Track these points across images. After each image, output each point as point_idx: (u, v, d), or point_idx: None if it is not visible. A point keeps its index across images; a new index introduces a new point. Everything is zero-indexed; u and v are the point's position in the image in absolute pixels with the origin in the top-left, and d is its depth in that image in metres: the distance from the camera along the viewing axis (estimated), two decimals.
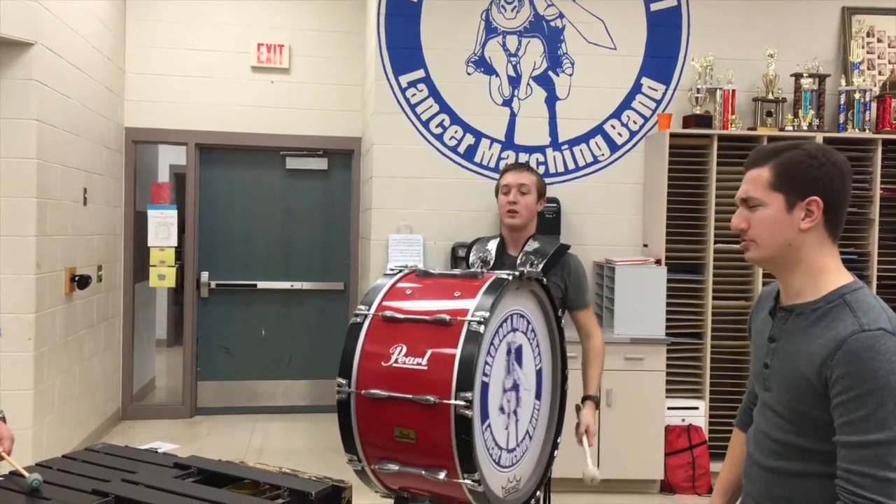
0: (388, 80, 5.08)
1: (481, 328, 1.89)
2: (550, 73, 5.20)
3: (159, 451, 2.04)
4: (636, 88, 5.24)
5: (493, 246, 3.01)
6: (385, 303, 2.07)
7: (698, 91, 5.02)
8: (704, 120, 4.96)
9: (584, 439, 2.72)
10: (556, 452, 2.37)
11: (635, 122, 5.23)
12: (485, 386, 1.93)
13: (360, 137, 6.22)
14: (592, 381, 2.88)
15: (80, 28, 4.92)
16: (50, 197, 4.43)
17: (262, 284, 6.33)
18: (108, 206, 5.67)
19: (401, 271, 2.21)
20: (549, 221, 4.97)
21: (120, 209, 6.00)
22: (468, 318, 1.92)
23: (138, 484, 1.73)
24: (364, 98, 6.07)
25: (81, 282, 4.90)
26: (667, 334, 4.70)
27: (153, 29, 6.01)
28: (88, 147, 5.14)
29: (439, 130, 5.12)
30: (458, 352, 1.87)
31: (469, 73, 5.15)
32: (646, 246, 5.13)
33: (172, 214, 6.04)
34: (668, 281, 4.75)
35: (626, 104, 5.23)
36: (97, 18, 5.30)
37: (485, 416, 1.94)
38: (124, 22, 5.96)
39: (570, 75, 5.20)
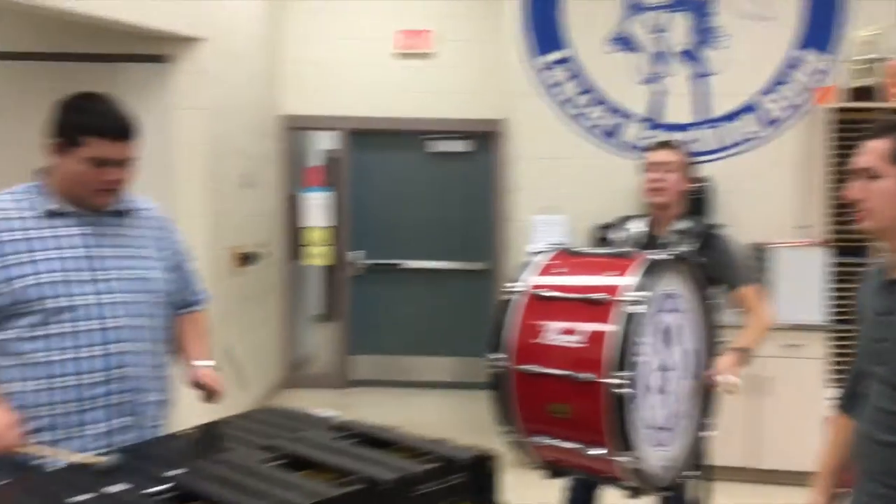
0: (529, 60, 5.09)
1: (636, 308, 1.91)
2: (698, 47, 5.01)
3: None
4: (792, 61, 4.96)
5: (638, 225, 2.98)
6: (536, 280, 2.12)
7: (862, 63, 4.68)
8: (868, 93, 4.63)
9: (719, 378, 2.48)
10: (708, 433, 2.34)
11: (791, 97, 4.96)
12: (638, 365, 1.95)
13: (501, 119, 6.27)
14: (743, 337, 2.71)
15: (243, 22, 5.27)
16: (218, 181, 4.80)
17: (409, 264, 6.55)
18: (268, 188, 6.06)
19: (549, 250, 2.25)
20: (700, 201, 4.82)
21: (278, 191, 6.38)
22: (622, 297, 1.94)
23: (302, 442, 1.89)
24: (505, 80, 6.10)
25: (246, 259, 5.28)
26: (829, 321, 4.46)
27: (308, 19, 6.32)
28: (251, 133, 5.51)
29: (581, 111, 5.08)
30: (613, 331, 1.90)
31: (611, 52, 5.06)
32: (804, 227, 4.87)
33: (325, 196, 6.36)
34: (831, 264, 4.49)
35: (781, 77, 4.97)
36: (261, 11, 5.65)
37: (639, 395, 1.95)
38: (283, 13, 6.30)
39: (720, 49, 4.99)
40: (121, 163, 1.97)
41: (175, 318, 2.21)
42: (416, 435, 1.97)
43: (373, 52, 6.31)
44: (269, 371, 6.19)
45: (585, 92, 5.07)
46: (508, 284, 2.15)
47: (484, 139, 6.45)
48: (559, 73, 5.08)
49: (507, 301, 2.10)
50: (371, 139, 6.54)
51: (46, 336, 1.89)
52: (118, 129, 1.94)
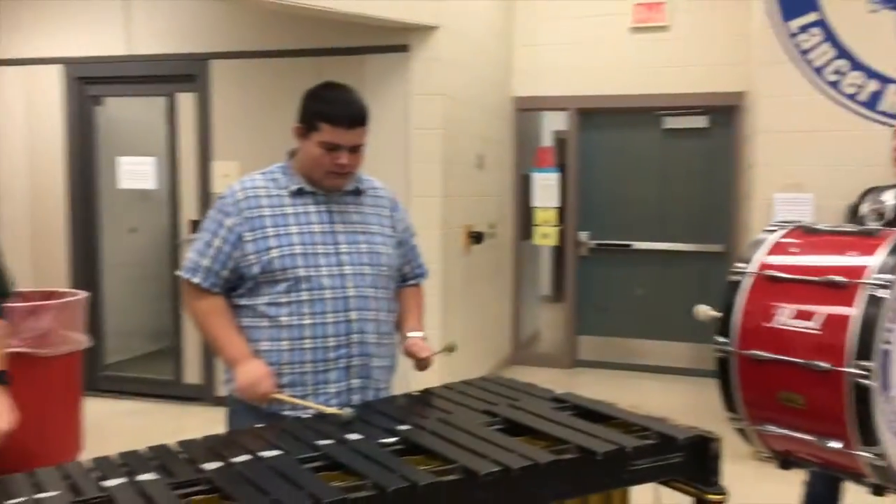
0: (775, 26, 4.73)
1: (883, 292, 1.74)
2: None
3: None
4: None
5: (890, 196, 2.69)
6: (767, 260, 2.00)
7: None
8: None
9: None
10: None
11: None
12: (885, 354, 1.78)
13: (743, 92, 5.90)
14: None
15: (476, 8, 5.44)
16: (452, 162, 5.02)
17: (638, 245, 6.41)
18: (499, 169, 6.22)
19: (784, 227, 2.11)
20: None
21: (509, 173, 6.53)
22: (867, 279, 1.78)
23: (521, 410, 1.96)
24: (749, 49, 5.73)
25: (477, 238, 5.49)
26: None
27: (540, 2, 6.36)
28: (483, 116, 5.68)
29: (835, 77, 4.64)
30: (855, 316, 1.76)
31: (873, 11, 4.55)
32: None
33: (554, 177, 6.40)
34: None
35: None
36: None
37: (885, 385, 1.79)
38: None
39: None
40: (350, 149, 2.13)
41: (398, 290, 2.37)
42: (634, 412, 1.96)
43: (608, 29, 6.21)
44: (498, 348, 6.39)
45: (840, 57, 4.62)
46: (738, 264, 2.04)
47: (722, 113, 6.12)
48: (810, 38, 4.67)
49: (736, 282, 2.01)
50: (601, 118, 6.46)
51: (296, 302, 2.10)
52: (349, 117, 2.10)
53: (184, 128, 5.43)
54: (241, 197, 2.14)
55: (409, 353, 2.29)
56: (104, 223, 5.71)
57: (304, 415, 2.05)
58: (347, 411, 1.92)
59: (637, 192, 6.44)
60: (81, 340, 3.80)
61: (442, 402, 2.09)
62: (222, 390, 2.26)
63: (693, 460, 1.79)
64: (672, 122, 6.30)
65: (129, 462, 1.66)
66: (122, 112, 5.94)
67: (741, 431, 2.00)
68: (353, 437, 1.77)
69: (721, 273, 6.04)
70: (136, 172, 5.58)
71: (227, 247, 2.11)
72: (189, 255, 2.17)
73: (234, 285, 2.16)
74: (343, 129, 2.09)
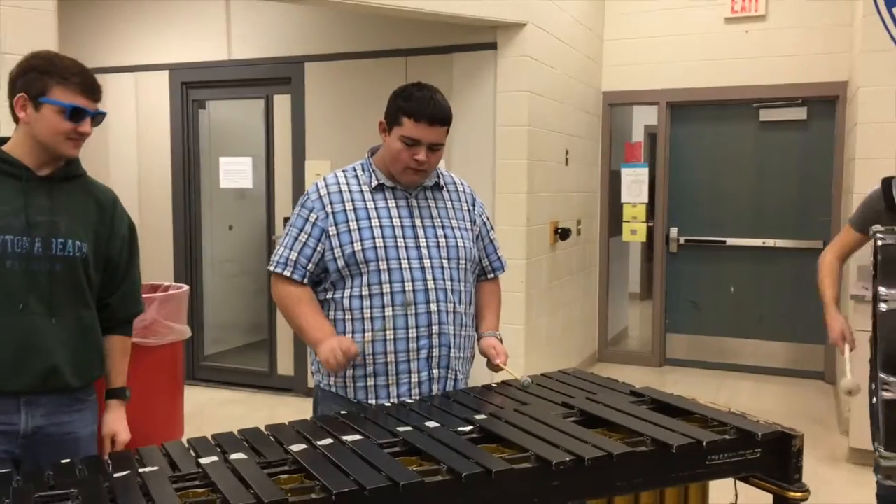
0: (879, 13, 4.52)
1: None
2: None
3: None
4: None
5: None
6: None
7: None
8: None
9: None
10: None
11: None
12: None
13: (845, 82, 5.66)
14: None
15: (564, 4, 5.43)
16: (537, 159, 5.03)
17: (731, 241, 6.24)
18: (586, 165, 6.18)
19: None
20: None
21: (597, 168, 6.48)
22: None
23: (598, 403, 1.97)
24: (850, 37, 5.49)
25: (563, 234, 5.47)
26: None
27: None
28: (570, 112, 5.66)
29: None
30: None
31: None
32: None
33: (644, 172, 6.30)
34: None
35: None
36: None
37: None
38: None
39: None
40: (429, 146, 2.19)
41: (476, 285, 2.41)
42: (714, 407, 1.95)
43: (701, 20, 6.07)
44: (585, 346, 6.35)
45: None
46: (884, 291, 1.92)
47: (821, 104, 5.88)
48: None
49: (891, 313, 1.89)
50: (692, 111, 6.32)
51: (378, 294, 2.18)
52: (430, 114, 2.16)
53: (279, 128, 5.64)
54: (324, 193, 2.23)
55: (484, 353, 2.33)
56: (205, 221, 6.00)
57: (387, 402, 2.13)
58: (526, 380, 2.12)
59: (731, 186, 6.26)
60: (183, 331, 4.01)
61: (520, 393, 2.13)
62: (312, 381, 2.36)
63: (773, 457, 1.77)
64: (769, 115, 6.10)
65: (222, 442, 1.77)
66: (223, 114, 6.22)
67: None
68: (432, 424, 1.83)
69: None
70: (234, 172, 5.84)
71: (312, 241, 2.20)
72: (277, 250, 2.26)
73: (319, 279, 2.25)
74: (425, 125, 2.15)
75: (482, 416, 1.87)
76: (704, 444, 1.69)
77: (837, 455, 4.36)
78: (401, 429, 1.80)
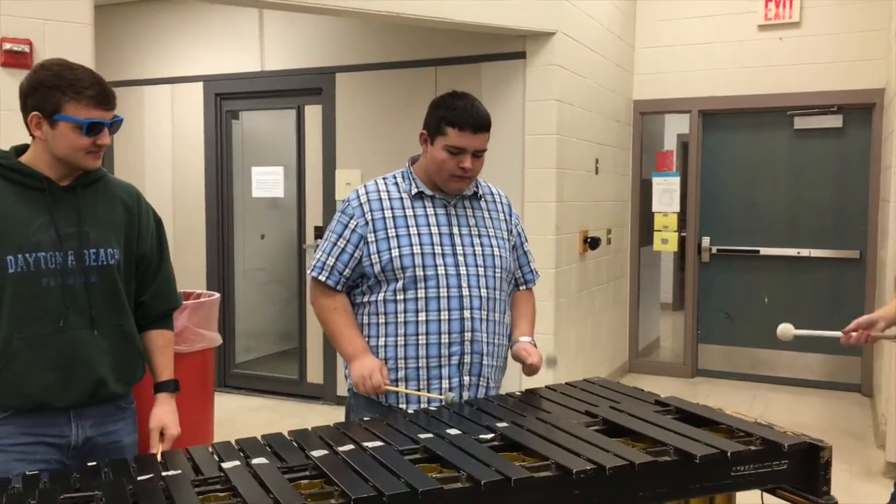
0: None
1: None
2: None
3: None
4: None
5: None
6: None
7: None
8: None
9: None
10: None
11: None
12: None
13: (882, 89, 5.56)
14: None
15: (594, 12, 5.41)
16: (567, 167, 5.01)
17: (765, 251, 6.15)
18: (617, 174, 6.14)
19: None
20: None
21: (627, 177, 6.44)
22: None
23: (622, 412, 1.95)
24: (888, 43, 5.39)
25: (593, 243, 5.44)
26: None
27: (661, 3, 6.25)
28: (600, 121, 5.63)
29: None
30: None
31: None
32: None
33: (675, 181, 6.24)
34: None
35: None
36: (610, 1, 5.74)
37: None
38: (635, 1, 6.32)
39: None
40: (473, 153, 2.22)
41: (511, 295, 2.43)
42: (740, 417, 1.92)
43: (734, 28, 6.01)
44: (615, 356, 6.29)
45: None
46: None
47: (858, 112, 5.78)
48: None
49: None
50: (725, 119, 6.25)
51: (413, 299, 2.21)
52: (474, 122, 2.20)
53: (310, 138, 5.70)
54: (364, 200, 2.27)
55: (518, 358, 2.33)
56: (237, 229, 6.08)
57: (413, 409, 2.15)
58: (450, 396, 2.08)
59: (765, 195, 6.18)
60: (214, 339, 4.06)
61: (543, 402, 2.12)
62: (343, 389, 2.40)
63: (801, 468, 1.73)
64: (803, 123, 6.01)
65: (246, 447, 1.79)
66: (255, 125, 6.31)
67: None
68: (453, 432, 1.83)
69: (856, 280, 5.77)
70: (266, 181, 5.91)
71: (350, 247, 2.25)
72: (317, 255, 2.31)
73: (356, 283, 2.29)
74: (469, 133, 2.19)
75: (504, 424, 1.86)
76: (729, 454, 1.66)
77: (874, 469, 4.25)
78: (422, 436, 1.80)
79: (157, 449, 2.01)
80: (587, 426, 1.88)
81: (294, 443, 1.82)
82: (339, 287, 2.27)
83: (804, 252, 6.04)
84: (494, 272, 2.28)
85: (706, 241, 6.31)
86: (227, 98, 5.93)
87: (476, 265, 2.25)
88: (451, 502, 1.51)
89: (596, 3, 5.46)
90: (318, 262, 2.28)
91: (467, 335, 2.22)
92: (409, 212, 2.27)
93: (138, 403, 2.13)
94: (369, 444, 1.74)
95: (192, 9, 5.88)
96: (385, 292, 2.23)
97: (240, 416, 5.34)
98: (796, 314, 6.10)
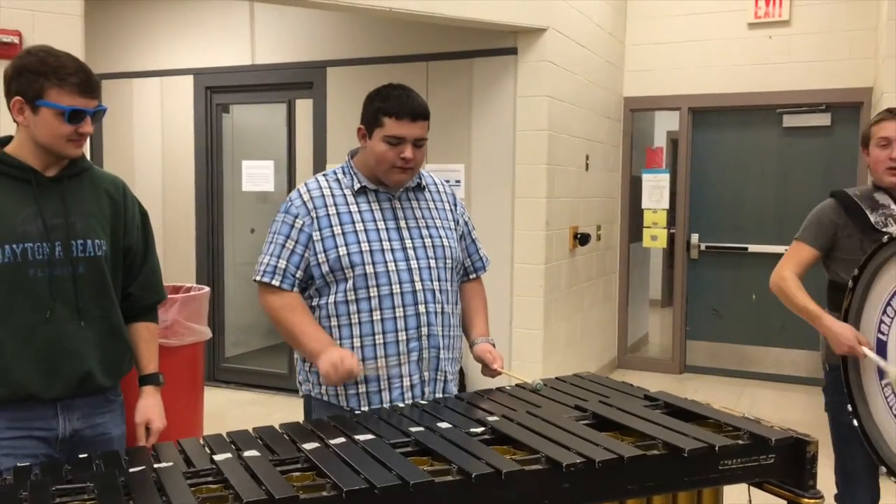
0: None
1: None
2: None
3: None
4: None
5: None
6: None
7: None
8: None
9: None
10: None
11: None
12: None
13: (869, 88, 5.60)
14: None
15: (585, 9, 5.42)
16: (557, 163, 5.03)
17: (753, 248, 6.19)
18: (607, 171, 6.16)
19: None
20: None
21: (617, 174, 6.46)
22: None
23: (611, 406, 1.97)
24: (875, 43, 5.43)
25: (583, 239, 5.46)
26: None
27: (651, 1, 6.26)
28: (590, 117, 5.65)
29: None
30: None
31: None
32: None
33: (665, 178, 6.27)
34: None
35: None
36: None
37: None
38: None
39: None
40: (413, 142, 2.18)
41: (460, 286, 2.40)
42: (728, 412, 1.94)
43: (724, 26, 6.04)
44: (604, 352, 6.32)
45: None
46: None
47: (846, 110, 5.82)
48: None
49: None
50: (715, 117, 6.29)
51: (365, 298, 2.14)
52: (411, 110, 2.16)
53: (301, 132, 5.69)
54: (308, 198, 2.21)
55: (480, 359, 2.31)
56: (227, 223, 6.06)
57: (379, 408, 2.12)
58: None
59: (753, 193, 6.21)
60: (204, 332, 4.06)
61: (533, 396, 2.13)
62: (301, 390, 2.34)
63: (787, 463, 1.75)
64: (792, 121, 6.04)
65: (237, 440, 1.79)
66: (245, 118, 6.29)
67: None
68: (444, 425, 1.84)
69: None
70: (256, 175, 5.90)
71: (300, 247, 2.19)
72: (262, 259, 2.22)
73: (305, 286, 2.23)
74: (407, 121, 2.15)
75: (494, 418, 1.88)
76: (717, 448, 1.68)
77: None
78: (413, 429, 1.81)
79: (144, 443, 2.01)
80: (577, 420, 1.89)
81: (285, 435, 1.82)
82: (293, 289, 2.20)
83: None
84: (445, 263, 2.26)
85: (695, 237, 6.35)
86: (218, 91, 5.91)
87: (427, 257, 2.22)
88: (443, 495, 1.52)
89: (587, 0, 5.47)
90: (267, 266, 2.19)
91: (423, 330, 2.19)
92: (354, 208, 2.21)
93: (126, 396, 2.13)
94: (361, 438, 1.75)
95: (182, 1, 5.85)
96: (335, 294, 2.17)
97: (229, 410, 5.34)
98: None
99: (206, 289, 4.25)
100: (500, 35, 4.88)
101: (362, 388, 2.18)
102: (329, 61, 5.49)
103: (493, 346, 2.34)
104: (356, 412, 2.04)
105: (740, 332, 6.29)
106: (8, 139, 1.95)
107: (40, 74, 1.82)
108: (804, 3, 5.80)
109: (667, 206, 6.26)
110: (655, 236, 6.31)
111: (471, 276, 2.45)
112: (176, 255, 5.89)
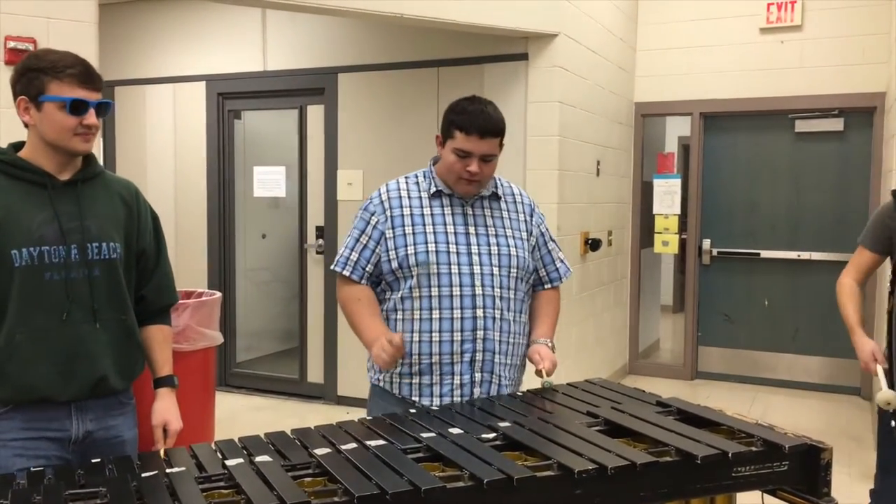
0: None
1: None
2: None
3: None
4: None
5: None
6: None
7: None
8: None
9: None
10: None
11: None
12: None
13: (882, 92, 5.57)
14: None
15: (596, 14, 5.42)
16: (568, 169, 5.02)
17: (765, 253, 6.16)
18: (618, 176, 6.15)
19: None
20: None
21: (628, 179, 6.44)
22: None
23: (624, 412, 1.96)
24: (889, 47, 5.40)
25: (594, 245, 5.45)
26: None
27: (662, 6, 6.26)
28: (601, 123, 5.64)
29: None
30: None
31: None
32: None
33: (676, 183, 6.25)
34: None
35: None
36: (612, 3, 5.75)
37: None
38: (637, 3, 6.33)
39: None
40: (481, 157, 2.24)
41: (534, 294, 2.45)
42: (741, 418, 1.92)
43: (736, 31, 6.02)
44: (615, 357, 6.30)
45: None
46: None
47: (859, 116, 5.79)
48: None
49: None
50: (726, 122, 6.27)
51: (427, 297, 2.24)
52: (480, 127, 2.21)
53: (313, 138, 5.71)
54: (385, 198, 2.33)
55: (530, 359, 2.37)
56: (239, 229, 6.08)
57: (430, 401, 2.23)
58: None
59: (766, 198, 6.19)
60: (215, 337, 4.07)
61: (545, 402, 2.13)
62: (343, 389, 2.44)
63: (801, 470, 1.74)
64: (804, 126, 6.02)
65: (249, 445, 1.79)
66: (257, 124, 6.31)
67: None
68: (455, 431, 1.84)
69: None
70: (268, 181, 5.92)
71: (372, 243, 2.30)
72: (340, 251, 2.36)
73: (378, 280, 2.34)
74: (475, 137, 2.21)
75: (506, 424, 1.87)
76: (730, 455, 1.67)
77: (872, 472, 4.26)
78: (425, 435, 1.81)
79: (162, 445, 2.02)
80: (589, 426, 1.88)
81: (297, 441, 1.82)
82: (362, 282, 2.32)
83: (805, 255, 6.05)
84: (510, 272, 2.30)
85: (707, 243, 6.32)
86: (230, 98, 5.94)
87: (491, 264, 2.28)
88: (454, 501, 1.52)
89: (598, 5, 5.47)
90: (342, 257, 2.33)
91: (479, 333, 2.25)
92: (427, 210, 2.30)
93: (138, 399, 2.14)
94: (372, 443, 1.75)
95: (194, 8, 5.88)
96: (402, 290, 2.27)
97: (240, 416, 5.35)
98: (797, 317, 6.12)
99: (218, 294, 4.26)
100: (511, 41, 4.89)
101: (415, 380, 2.27)
102: (340, 67, 5.50)
103: (551, 348, 2.39)
104: (366, 418, 2.04)
105: (752, 338, 6.26)
106: (21, 144, 1.97)
107: (40, 71, 1.86)
108: (816, 7, 5.78)
109: (678, 211, 6.24)
110: (667, 242, 6.29)
111: (545, 286, 2.48)
112: (188, 261, 5.92)
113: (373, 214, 2.32)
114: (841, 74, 5.72)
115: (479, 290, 2.25)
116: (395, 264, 2.26)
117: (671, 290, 8.82)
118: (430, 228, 2.27)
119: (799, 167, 6.07)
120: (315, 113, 5.70)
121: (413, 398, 2.26)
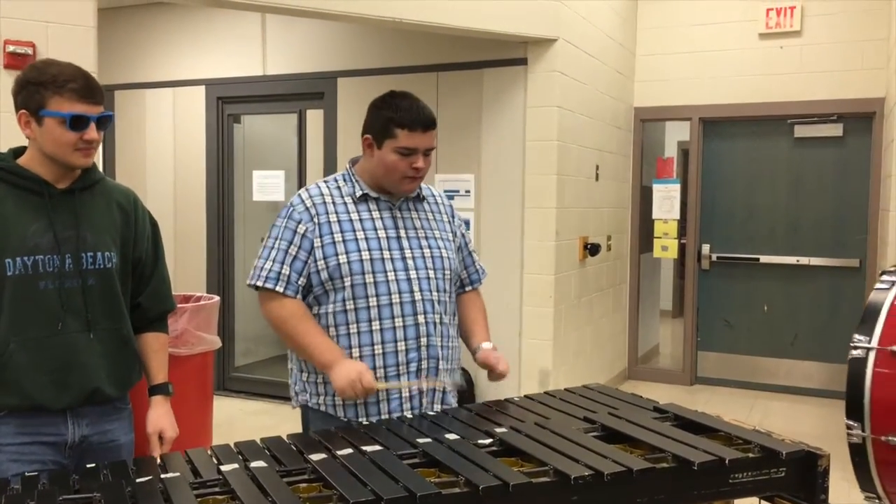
0: None
1: None
2: None
3: None
4: None
5: None
6: (889, 331, 1.89)
7: None
8: None
9: None
10: None
11: None
12: None
13: (882, 98, 5.57)
14: None
15: (595, 19, 5.43)
16: (567, 173, 5.02)
17: (764, 258, 6.16)
18: (617, 181, 6.14)
19: None
20: None
21: (627, 184, 6.44)
22: None
23: (621, 418, 1.96)
24: (888, 53, 5.41)
25: (593, 249, 5.44)
26: None
27: (661, 11, 6.27)
28: (600, 128, 5.64)
29: None
30: None
31: None
32: None
33: (676, 188, 6.25)
34: None
35: None
36: (611, 8, 5.76)
37: None
38: (636, 8, 6.34)
39: None
40: (424, 152, 2.19)
41: (458, 297, 2.39)
42: (738, 424, 1.92)
43: (735, 36, 6.03)
44: (614, 363, 6.29)
45: None
46: (858, 338, 1.91)
47: (858, 121, 5.79)
48: None
49: (857, 360, 1.89)
50: (726, 127, 6.27)
51: (367, 308, 2.12)
52: (423, 121, 2.16)
53: (312, 142, 5.71)
54: (310, 204, 2.19)
55: (485, 365, 2.29)
56: (237, 233, 6.08)
57: (377, 419, 2.11)
58: (452, 380, 2.13)
59: (765, 203, 6.18)
60: (214, 342, 4.06)
61: (541, 407, 2.12)
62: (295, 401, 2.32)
63: (799, 476, 1.74)
64: (804, 131, 6.02)
65: (244, 450, 1.79)
66: (257, 128, 6.31)
67: None
68: (452, 437, 1.83)
69: (855, 289, 5.76)
70: (267, 185, 5.92)
71: (303, 254, 2.16)
72: (262, 265, 2.18)
73: (304, 293, 2.20)
74: (419, 132, 2.15)
75: (502, 430, 1.87)
76: (727, 461, 1.66)
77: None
78: (421, 440, 1.80)
79: (157, 453, 2.01)
80: (586, 432, 1.88)
81: (293, 446, 1.82)
82: (297, 297, 2.17)
83: (804, 260, 6.04)
84: (444, 274, 2.24)
85: (706, 248, 6.32)
86: (229, 102, 5.94)
87: (426, 268, 2.20)
88: None
89: (597, 10, 5.48)
90: (269, 272, 2.15)
91: (423, 340, 2.17)
92: (355, 216, 2.19)
93: (137, 405, 2.13)
94: (368, 449, 1.74)
95: (194, 12, 5.89)
96: (334, 303, 2.15)
97: (238, 420, 5.34)
98: (796, 322, 6.11)
99: (217, 298, 4.26)
100: (510, 45, 4.89)
101: (360, 400, 2.14)
102: (340, 72, 5.51)
103: (495, 349, 2.32)
104: (363, 423, 2.03)
105: (752, 344, 6.25)
106: (23, 150, 1.96)
107: (40, 85, 1.83)
108: (815, 13, 5.78)
109: (677, 216, 6.24)
110: (666, 247, 6.28)
111: (466, 289, 2.43)
112: (186, 265, 5.91)
113: (299, 223, 2.16)
114: (840, 80, 5.72)
115: (417, 296, 2.16)
116: (324, 275, 2.13)
117: (670, 295, 8.80)
118: (360, 234, 2.16)
119: (798, 172, 6.07)
120: (314, 117, 5.70)
121: (359, 419, 2.13)
